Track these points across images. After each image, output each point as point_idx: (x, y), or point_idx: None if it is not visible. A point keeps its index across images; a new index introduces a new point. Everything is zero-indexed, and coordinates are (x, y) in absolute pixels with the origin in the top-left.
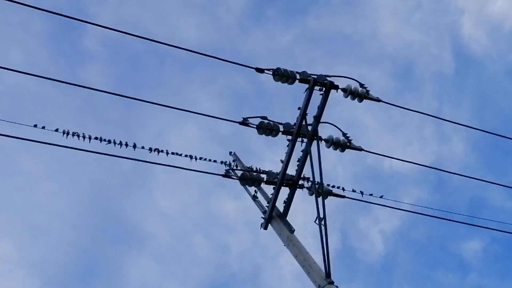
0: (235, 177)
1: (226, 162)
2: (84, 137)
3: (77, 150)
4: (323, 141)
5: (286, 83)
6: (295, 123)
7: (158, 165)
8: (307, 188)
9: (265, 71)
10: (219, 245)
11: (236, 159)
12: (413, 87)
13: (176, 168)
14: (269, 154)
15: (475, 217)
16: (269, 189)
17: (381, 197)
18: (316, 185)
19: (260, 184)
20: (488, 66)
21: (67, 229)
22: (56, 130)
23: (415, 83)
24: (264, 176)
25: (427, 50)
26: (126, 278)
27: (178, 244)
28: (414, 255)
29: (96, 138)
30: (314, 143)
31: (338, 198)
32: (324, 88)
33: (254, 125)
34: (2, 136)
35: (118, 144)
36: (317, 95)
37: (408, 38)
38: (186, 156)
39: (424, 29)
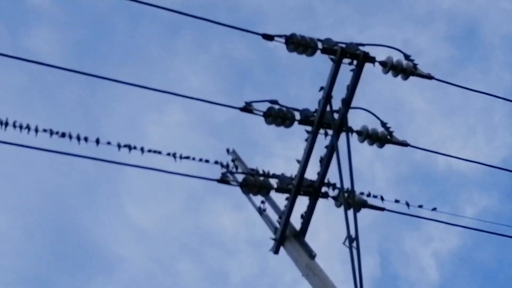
0: (235, 183)
1: (222, 162)
2: (29, 128)
3: (20, 147)
4: (354, 133)
5: (303, 54)
6: (316, 109)
7: (130, 167)
8: (332, 197)
9: (276, 38)
10: (214, 273)
11: (236, 158)
12: (478, 56)
13: (155, 171)
14: (281, 151)
15: None
16: (281, 199)
17: (434, 209)
18: (346, 194)
19: (269, 192)
20: None
21: (11, 255)
22: None
23: (481, 50)
24: (274, 181)
25: (496, 5)
26: None
27: (158, 271)
28: (480, 285)
29: (45, 130)
30: (343, 135)
31: (376, 210)
32: (356, 61)
33: (261, 111)
34: None
35: (76, 138)
36: (346, 71)
37: None
38: (168, 154)
39: None
